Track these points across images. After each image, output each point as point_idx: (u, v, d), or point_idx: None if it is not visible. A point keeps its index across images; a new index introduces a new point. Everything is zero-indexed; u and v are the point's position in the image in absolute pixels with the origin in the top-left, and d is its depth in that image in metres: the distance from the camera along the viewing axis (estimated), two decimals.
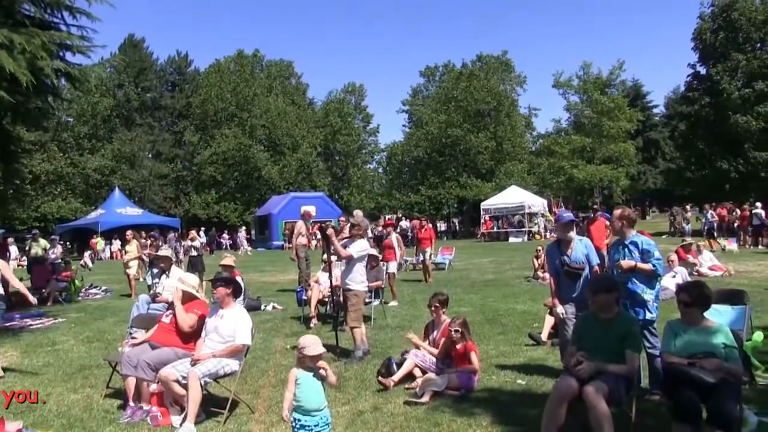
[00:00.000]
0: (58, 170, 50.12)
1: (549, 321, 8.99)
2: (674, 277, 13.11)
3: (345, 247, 8.78)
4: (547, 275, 10.02)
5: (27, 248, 22.51)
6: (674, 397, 4.74)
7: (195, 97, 63.05)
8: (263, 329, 10.73)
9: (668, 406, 5.00)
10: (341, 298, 9.34)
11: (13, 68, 10.77)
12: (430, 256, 18.86)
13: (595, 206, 18.23)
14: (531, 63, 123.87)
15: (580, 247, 6.91)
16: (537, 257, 17.23)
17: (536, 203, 43.59)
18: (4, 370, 8.64)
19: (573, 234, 7.05)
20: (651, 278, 6.28)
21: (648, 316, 6.20)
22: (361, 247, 8.84)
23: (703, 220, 32.68)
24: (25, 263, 23.79)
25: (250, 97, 60.05)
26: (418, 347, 7.40)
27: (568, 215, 7.25)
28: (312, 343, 4.65)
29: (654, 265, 6.23)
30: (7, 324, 12.89)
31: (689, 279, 12.75)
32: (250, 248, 44.31)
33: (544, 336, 8.91)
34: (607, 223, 13.68)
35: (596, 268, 6.92)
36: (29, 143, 28.34)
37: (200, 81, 64.74)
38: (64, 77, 13.85)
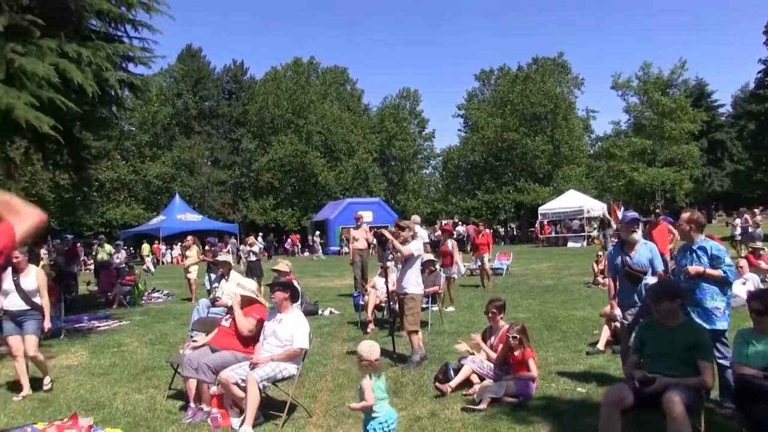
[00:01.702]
0: (121, 178, 51.43)
1: (606, 330, 8.78)
2: (744, 284, 12.53)
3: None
4: (608, 281, 9.75)
5: (94, 253, 23.13)
6: (748, 412, 4.53)
7: (252, 104, 63.91)
8: (320, 334, 10.78)
9: (740, 419, 4.82)
10: (397, 304, 9.32)
11: (81, 80, 11.08)
12: (488, 261, 18.65)
13: (657, 210, 17.74)
14: (588, 64, 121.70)
15: (645, 251, 6.70)
16: (597, 262, 16.84)
17: (595, 207, 42.47)
18: (74, 368, 8.95)
19: (638, 236, 6.83)
20: (721, 285, 5.92)
21: (719, 325, 5.83)
22: (417, 245, 8.81)
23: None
24: (92, 267, 24.45)
25: (306, 104, 60.58)
26: (473, 353, 7.33)
27: (632, 214, 7.03)
28: (368, 348, 4.82)
29: (724, 272, 5.87)
30: (76, 325, 13.32)
31: (761, 286, 12.24)
32: (321, 253, 44.17)
33: (601, 345, 8.68)
34: (670, 227, 13.31)
35: (660, 273, 6.70)
36: (95, 152, 29.08)
37: (257, 89, 65.62)
38: (127, 87, 14.20)
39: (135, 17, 13.69)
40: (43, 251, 25.24)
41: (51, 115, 10.46)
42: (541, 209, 45.41)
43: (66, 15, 11.83)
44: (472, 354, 7.31)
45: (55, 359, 9.88)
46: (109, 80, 12.44)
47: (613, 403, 4.75)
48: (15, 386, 7.82)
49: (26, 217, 2.53)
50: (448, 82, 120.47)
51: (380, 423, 4.64)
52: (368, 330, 11.03)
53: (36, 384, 7.87)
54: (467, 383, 7.00)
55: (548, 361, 8.21)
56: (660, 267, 6.73)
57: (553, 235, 44.52)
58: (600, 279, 15.89)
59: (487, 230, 20.22)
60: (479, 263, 18.59)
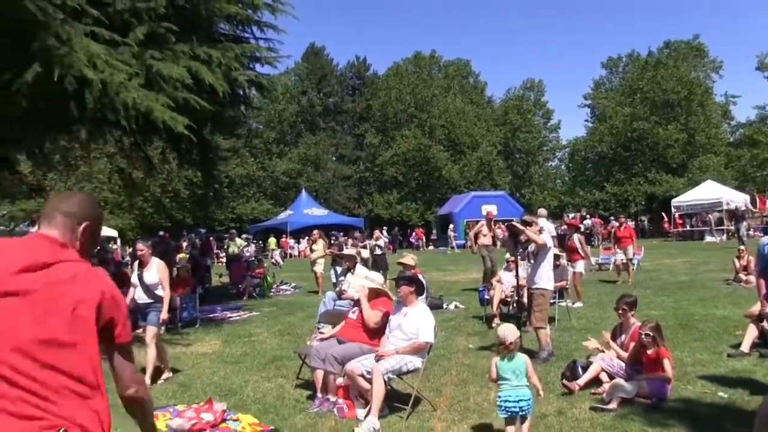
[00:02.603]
0: (250, 174, 53.36)
1: (752, 331, 8.23)
2: None
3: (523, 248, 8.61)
4: (751, 278, 9.10)
5: (225, 247, 24.13)
6: None
7: (375, 100, 64.57)
8: (445, 328, 10.76)
9: None
10: (525, 298, 9.16)
11: (212, 80, 11.55)
12: (633, 255, 17.81)
13: None
14: (729, 46, 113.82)
15: None
16: (739, 258, 15.73)
17: (735, 199, 39.32)
18: (209, 356, 9.36)
19: None
20: None
21: None
22: (547, 239, 8.63)
23: None
24: (224, 260, 25.51)
25: (428, 98, 60.61)
26: (602, 351, 7.09)
27: None
28: (503, 331, 5.44)
29: None
30: (210, 315, 13.92)
31: None
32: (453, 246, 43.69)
33: (745, 347, 8.10)
34: None
35: None
36: (225, 150, 30.27)
37: (379, 84, 66.19)
38: (255, 87, 14.67)
39: (261, 19, 14.13)
40: (185, 244, 26.52)
41: (185, 115, 10.95)
42: (675, 201, 43.10)
43: (198, 20, 12.37)
44: (602, 351, 7.07)
45: (192, 347, 10.40)
46: (237, 80, 12.90)
47: None
48: (157, 372, 8.15)
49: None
50: (573, 72, 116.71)
51: (502, 399, 5.23)
52: (493, 325, 10.90)
53: (157, 375, 8.21)
54: (596, 381, 6.78)
55: (684, 362, 7.80)
56: None
57: (688, 228, 42.36)
58: (742, 276, 14.97)
59: (629, 223, 19.25)
60: (623, 257, 17.82)
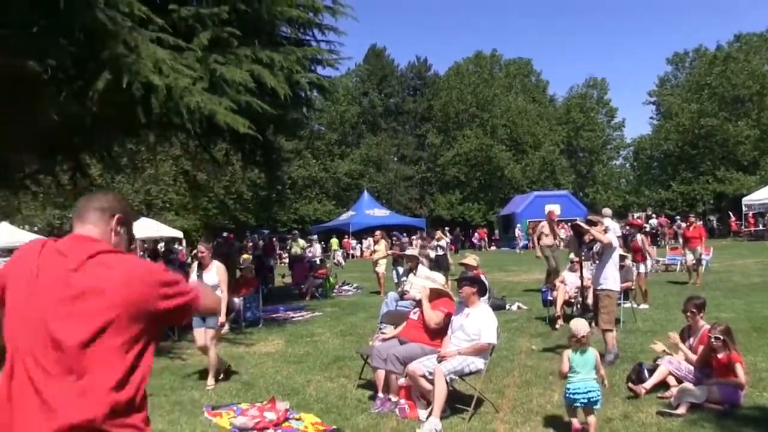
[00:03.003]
0: (312, 175, 53.90)
1: None
2: None
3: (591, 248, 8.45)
4: None
5: (288, 247, 24.41)
6: None
7: (436, 100, 64.44)
8: (508, 329, 10.65)
9: None
10: (590, 299, 9.00)
11: (274, 83, 11.71)
12: (700, 256, 17.17)
13: None
14: None
15: None
16: None
17: None
18: (272, 355, 9.52)
19: None
20: None
21: None
22: (613, 239, 8.46)
23: None
24: (287, 261, 25.81)
25: (490, 97, 60.18)
26: (670, 354, 6.91)
27: None
28: (576, 325, 5.72)
29: None
30: (273, 315, 14.09)
31: None
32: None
33: None
34: None
35: None
36: (288, 152, 30.72)
37: (440, 84, 66.01)
38: (316, 89, 14.81)
39: (322, 21, 14.26)
40: (249, 245, 26.95)
41: (248, 118, 11.11)
42: (746, 200, 41.67)
43: (260, 24, 12.55)
44: (669, 354, 6.89)
45: (255, 346, 10.53)
46: (299, 83, 13.05)
47: None
48: (206, 373, 8.24)
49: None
50: (637, 68, 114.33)
51: (572, 391, 5.47)
52: (557, 326, 10.75)
53: (226, 372, 8.39)
54: (663, 385, 6.60)
55: (758, 367, 7.50)
56: None
57: (761, 227, 40.89)
58: None
59: (699, 222, 18.67)
60: (692, 257, 17.25)
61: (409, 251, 12.41)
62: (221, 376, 8.25)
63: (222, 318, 7.98)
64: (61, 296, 2.10)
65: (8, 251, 33.95)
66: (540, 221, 15.55)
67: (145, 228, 31.38)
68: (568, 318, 11.08)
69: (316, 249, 22.59)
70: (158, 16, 10.25)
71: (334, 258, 33.09)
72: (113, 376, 2.08)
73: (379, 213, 45.89)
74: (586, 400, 5.41)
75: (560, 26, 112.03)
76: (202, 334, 7.93)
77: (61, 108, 10.55)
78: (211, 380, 7.90)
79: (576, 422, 5.50)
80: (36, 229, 40.11)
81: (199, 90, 10.53)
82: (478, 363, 6.29)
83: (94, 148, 14.77)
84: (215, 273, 8.14)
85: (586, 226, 8.41)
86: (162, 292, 2.21)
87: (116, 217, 2.39)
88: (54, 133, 11.85)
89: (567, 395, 5.55)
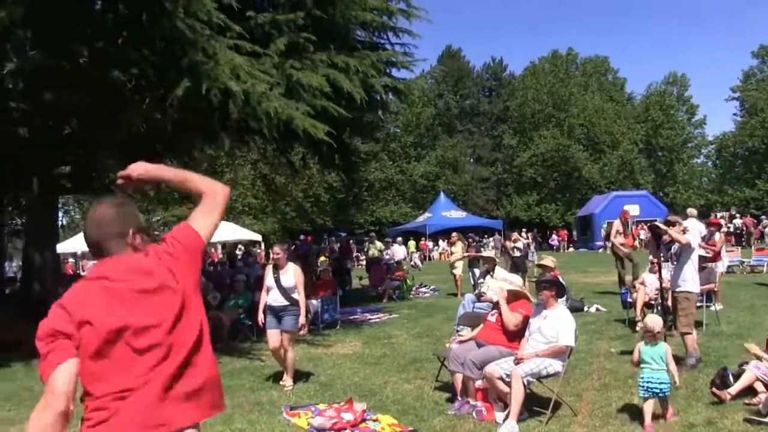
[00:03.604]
0: (388, 178, 54.09)
1: None
2: None
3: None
4: None
5: (365, 249, 24.59)
6: None
7: (512, 100, 63.86)
8: (586, 331, 10.43)
9: None
10: (669, 302, 8.74)
11: (350, 87, 11.84)
12: None
13: None
14: None
15: None
16: None
17: None
18: (349, 357, 9.62)
19: None
20: None
21: None
22: (693, 239, 8.19)
23: None
24: (364, 263, 25.99)
25: (566, 97, 59.22)
26: (759, 358, 6.63)
27: None
28: (651, 321, 6.06)
29: None
30: (351, 317, 14.19)
31: None
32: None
33: None
34: None
35: None
36: (364, 154, 30.90)
37: (516, 84, 65.42)
38: (392, 92, 14.92)
39: (395, 24, 14.35)
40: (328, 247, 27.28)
41: (324, 121, 11.26)
42: None
43: (335, 29, 12.71)
44: (758, 359, 6.60)
45: (333, 348, 10.62)
46: (374, 86, 13.17)
47: None
48: (281, 374, 8.28)
49: (216, 197, 2.64)
50: (719, 63, 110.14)
51: (644, 381, 5.80)
52: (637, 329, 10.45)
53: (300, 375, 8.51)
54: (750, 391, 6.32)
55: None
56: None
57: None
58: None
59: None
60: None
61: (485, 253, 12.31)
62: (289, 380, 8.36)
63: (302, 320, 8.02)
64: None
65: None
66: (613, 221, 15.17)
67: (225, 231, 32.02)
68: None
69: (399, 252, 22.61)
70: (236, 23, 10.50)
71: (411, 260, 33.15)
72: None
73: (456, 215, 45.64)
74: (658, 390, 5.72)
75: (637, 22, 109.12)
76: (275, 336, 7.99)
77: (143, 115, 10.91)
78: (288, 381, 7.98)
79: (648, 410, 5.72)
80: None
81: (276, 95, 10.73)
82: (556, 365, 6.19)
83: (175, 154, 15.23)
84: (292, 275, 8.15)
85: (663, 227, 8.19)
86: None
87: (132, 232, 2.42)
88: (136, 139, 12.27)
89: (639, 385, 5.86)
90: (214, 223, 2.59)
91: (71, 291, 2.34)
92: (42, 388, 2.19)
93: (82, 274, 27.54)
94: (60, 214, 29.75)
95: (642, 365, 5.87)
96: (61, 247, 23.39)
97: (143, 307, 2.26)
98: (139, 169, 2.57)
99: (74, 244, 33.32)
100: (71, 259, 35.81)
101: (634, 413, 6.01)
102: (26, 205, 15.63)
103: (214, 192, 2.63)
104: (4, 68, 9.34)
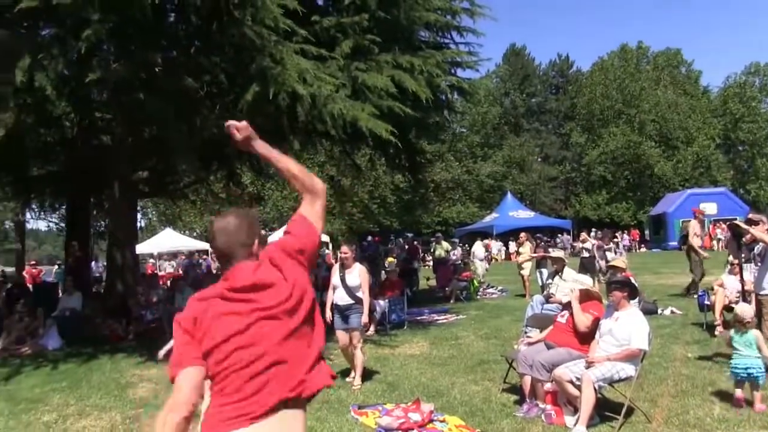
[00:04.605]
0: (455, 178, 53.87)
1: None
2: None
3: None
4: None
5: (432, 250, 24.56)
6: None
7: (579, 97, 62.82)
8: (660, 335, 10.16)
9: None
10: (753, 304, 8.44)
11: (415, 88, 11.86)
12: None
13: None
14: None
15: None
16: None
17: None
18: (416, 357, 9.62)
19: None
20: None
21: None
22: None
23: None
24: (431, 264, 25.95)
25: (636, 92, 57.78)
26: None
27: None
28: (741, 310, 6.51)
29: None
30: (418, 318, 14.19)
31: None
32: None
33: None
34: None
35: None
36: (430, 155, 30.88)
37: (584, 81, 64.29)
38: (457, 91, 14.90)
39: (460, 24, 14.32)
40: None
41: (390, 122, 11.30)
42: None
43: (399, 30, 12.76)
44: None
45: (400, 348, 10.62)
46: (440, 86, 13.16)
47: None
48: (349, 372, 8.43)
49: (317, 193, 2.79)
50: None
51: (733, 366, 6.27)
52: (716, 332, 10.12)
53: (368, 375, 8.55)
54: None
55: None
56: None
57: None
58: None
59: None
60: None
61: (554, 253, 12.10)
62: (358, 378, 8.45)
63: (365, 318, 8.13)
64: None
65: (173, 255, 36.41)
66: (690, 220, 14.75)
67: None
68: (728, 324, 10.47)
69: (480, 251, 22.45)
70: (301, 28, 10.66)
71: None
72: None
73: (524, 214, 45.17)
74: (746, 375, 6.13)
75: (712, 11, 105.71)
76: (343, 335, 8.18)
77: (215, 120, 11.17)
78: (357, 380, 8.07)
79: (739, 392, 6.21)
80: (195, 234, 42.66)
81: (342, 97, 10.84)
82: (629, 370, 6.04)
83: (245, 158, 15.53)
84: (357, 275, 8.25)
85: (745, 226, 7.90)
86: None
87: (257, 244, 2.62)
88: (209, 144, 12.58)
89: (731, 371, 6.34)
90: (316, 212, 2.76)
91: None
92: (126, 378, 2.31)
93: (160, 274, 28.48)
94: (138, 216, 30.72)
95: (734, 352, 6.33)
96: (140, 248, 24.19)
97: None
98: (245, 131, 2.74)
99: (152, 246, 34.51)
100: (151, 260, 36.96)
101: (715, 423, 5.83)
102: (109, 208, 16.34)
103: (312, 185, 2.79)
104: (90, 81, 9.75)
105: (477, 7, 14.07)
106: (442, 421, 6.28)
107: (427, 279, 22.17)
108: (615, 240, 18.04)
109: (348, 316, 8.13)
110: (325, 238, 35.40)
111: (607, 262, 15.82)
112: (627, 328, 6.07)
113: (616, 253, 18.01)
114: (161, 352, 6.23)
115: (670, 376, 7.66)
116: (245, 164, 17.54)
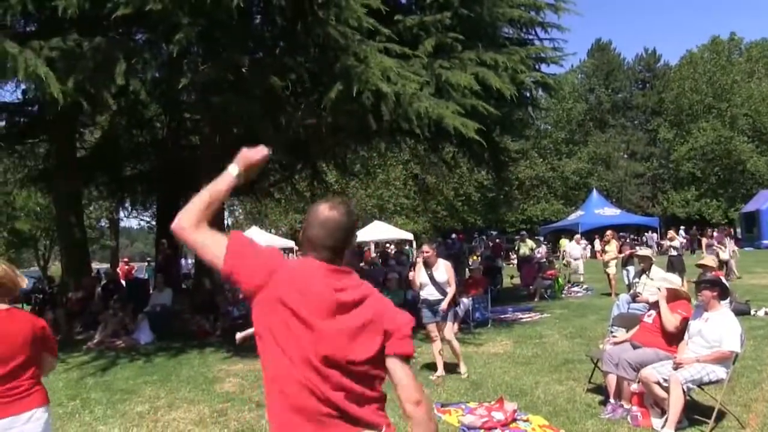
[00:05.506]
0: (539, 175, 53.20)
1: None
2: None
3: None
4: None
5: (516, 248, 24.36)
6: None
7: (667, 92, 60.82)
8: (754, 336, 9.81)
9: None
10: None
11: (499, 85, 11.82)
12: None
13: None
14: None
15: None
16: None
17: None
18: (500, 356, 9.64)
19: None
20: None
21: None
22: None
23: None
24: (515, 262, 25.74)
25: (728, 86, 55.47)
26: None
27: None
28: None
29: None
30: (502, 316, 14.15)
31: None
32: None
33: None
34: None
35: None
36: (514, 152, 30.67)
37: (671, 75, 62.19)
38: (541, 88, 14.76)
39: (544, 19, 14.20)
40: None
41: (474, 120, 11.29)
42: None
43: (482, 27, 12.72)
44: None
45: (483, 347, 10.62)
46: (524, 83, 13.06)
47: None
48: (433, 366, 8.63)
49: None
50: None
51: None
52: None
53: (449, 367, 8.62)
54: None
55: None
56: None
57: None
58: None
59: None
60: None
61: (641, 251, 11.85)
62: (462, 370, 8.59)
63: (444, 305, 8.37)
64: None
65: None
66: None
67: (377, 230, 32.84)
68: None
69: (575, 250, 22.23)
70: (384, 27, 10.78)
71: (563, 259, 32.47)
72: None
73: (609, 212, 44.20)
74: None
75: None
76: (434, 328, 8.51)
77: (299, 120, 11.42)
78: (462, 367, 8.53)
79: None
80: (281, 232, 43.53)
81: (426, 95, 10.90)
82: (719, 372, 5.88)
83: (329, 156, 15.78)
84: (443, 270, 8.55)
85: None
86: None
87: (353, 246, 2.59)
88: (294, 143, 12.85)
89: None
90: None
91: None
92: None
93: None
94: (225, 214, 31.56)
95: None
96: None
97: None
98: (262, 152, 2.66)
99: None
100: None
101: None
102: None
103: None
104: (180, 84, 10.13)
105: (561, 2, 13.90)
106: (525, 421, 6.26)
107: (511, 277, 22.00)
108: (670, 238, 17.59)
109: (437, 309, 8.42)
110: (409, 236, 35.55)
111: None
112: (717, 329, 5.92)
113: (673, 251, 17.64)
114: (239, 335, 6.42)
115: (764, 380, 7.41)
116: (330, 163, 17.82)
